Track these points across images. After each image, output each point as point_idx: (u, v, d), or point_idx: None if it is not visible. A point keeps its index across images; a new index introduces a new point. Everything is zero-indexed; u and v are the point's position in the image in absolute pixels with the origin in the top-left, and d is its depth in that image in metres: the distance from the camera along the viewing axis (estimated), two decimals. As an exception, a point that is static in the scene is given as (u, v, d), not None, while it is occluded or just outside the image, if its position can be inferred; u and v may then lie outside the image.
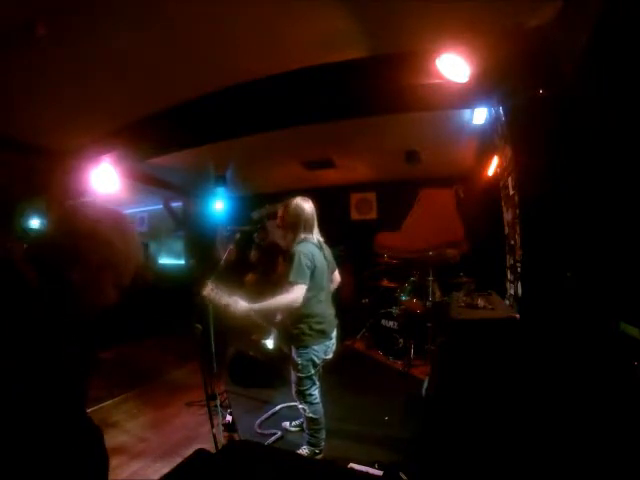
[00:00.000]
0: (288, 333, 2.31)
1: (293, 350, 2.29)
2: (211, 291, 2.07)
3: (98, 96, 2.86)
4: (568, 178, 2.09)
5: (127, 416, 2.97)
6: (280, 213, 2.36)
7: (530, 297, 2.47)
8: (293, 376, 2.33)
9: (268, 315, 2.24)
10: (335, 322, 2.42)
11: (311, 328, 2.23)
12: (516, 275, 2.86)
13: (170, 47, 2.34)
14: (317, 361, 2.25)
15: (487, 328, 2.23)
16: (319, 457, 2.34)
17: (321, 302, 2.28)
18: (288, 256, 2.23)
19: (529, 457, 1.53)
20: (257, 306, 2.10)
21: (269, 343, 2.45)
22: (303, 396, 2.29)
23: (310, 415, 2.29)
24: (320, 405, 2.33)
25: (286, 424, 2.64)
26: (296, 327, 2.24)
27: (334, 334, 2.38)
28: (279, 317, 2.35)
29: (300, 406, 2.33)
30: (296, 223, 2.27)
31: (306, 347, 2.23)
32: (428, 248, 4.60)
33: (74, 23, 2.05)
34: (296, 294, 2.07)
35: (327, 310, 2.35)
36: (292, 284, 2.09)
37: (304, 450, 2.39)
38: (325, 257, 2.35)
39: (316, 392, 2.31)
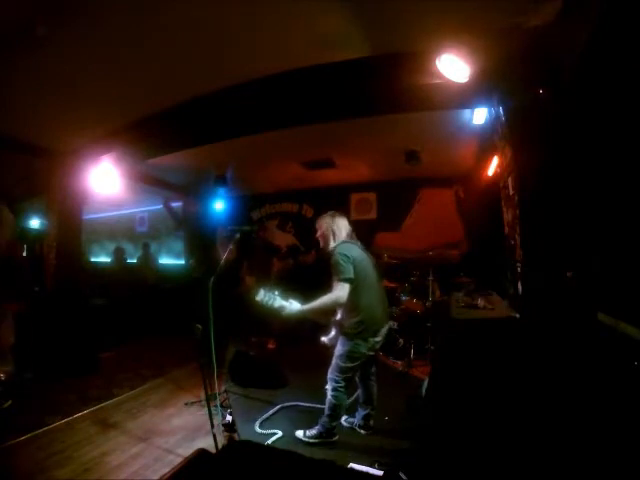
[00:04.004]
0: (340, 323, 2.40)
1: (340, 338, 2.37)
2: (264, 296, 2.22)
3: (98, 96, 2.86)
4: (568, 178, 2.09)
5: (127, 416, 2.97)
6: (316, 228, 2.55)
7: (530, 297, 2.47)
8: (333, 359, 2.40)
9: (319, 312, 2.33)
10: (385, 322, 2.44)
11: (357, 323, 2.28)
12: (516, 275, 2.86)
13: (170, 47, 2.34)
14: (356, 355, 2.30)
15: (487, 328, 2.24)
16: (329, 442, 2.40)
17: (368, 298, 2.31)
18: (329, 261, 2.35)
19: (529, 456, 1.53)
20: (307, 306, 2.25)
21: (327, 340, 2.54)
22: (332, 380, 2.37)
23: (331, 399, 2.37)
24: (343, 395, 2.38)
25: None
26: (345, 320, 2.34)
27: (382, 332, 2.38)
28: (338, 315, 2.41)
29: (327, 387, 2.40)
30: (328, 233, 2.45)
31: (349, 339, 2.30)
32: (428, 248, 4.60)
33: (74, 23, 2.05)
34: (340, 292, 2.20)
35: (374, 306, 2.36)
36: (336, 283, 2.22)
37: (310, 432, 2.46)
38: (368, 256, 2.46)
39: (345, 382, 2.35)
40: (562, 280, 2.09)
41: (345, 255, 2.26)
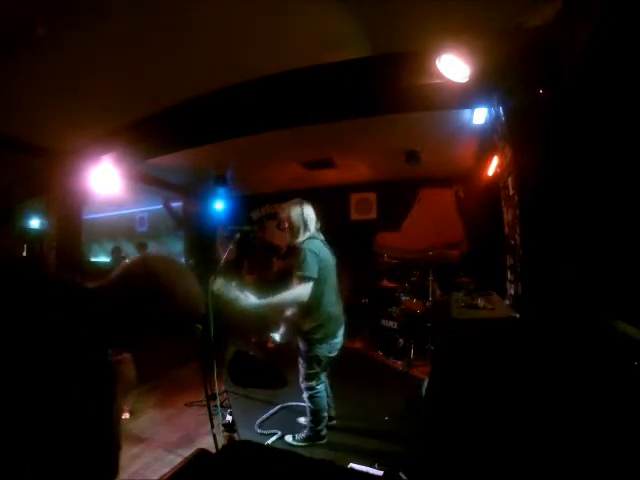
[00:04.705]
0: (297, 328, 2.37)
1: (300, 344, 2.36)
2: (221, 286, 2.16)
3: (98, 96, 2.86)
4: (568, 178, 2.08)
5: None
6: (283, 217, 2.42)
7: (530, 297, 2.47)
8: (300, 368, 2.39)
9: (277, 309, 2.29)
10: (342, 321, 2.44)
11: (317, 326, 2.27)
12: (516, 275, 2.86)
13: (170, 47, 2.34)
14: (321, 358, 2.30)
15: (487, 328, 2.23)
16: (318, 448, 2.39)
17: (328, 300, 2.30)
18: (295, 254, 2.29)
19: (529, 457, 1.53)
20: (265, 301, 2.18)
21: (277, 337, 2.51)
22: (306, 389, 2.37)
23: (310, 406, 2.37)
24: (322, 400, 2.38)
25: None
26: (303, 323, 2.30)
27: (340, 332, 2.39)
28: (289, 312, 2.38)
29: (304, 396, 2.40)
30: (298, 224, 2.34)
31: (311, 344, 2.29)
32: (428, 248, 4.59)
33: (74, 23, 2.05)
34: (303, 289, 2.15)
35: (334, 308, 2.36)
36: (300, 279, 2.16)
37: (298, 436, 2.46)
38: (331, 252, 2.42)
39: (319, 387, 2.36)
40: (562, 280, 2.09)
41: (315, 253, 2.20)
